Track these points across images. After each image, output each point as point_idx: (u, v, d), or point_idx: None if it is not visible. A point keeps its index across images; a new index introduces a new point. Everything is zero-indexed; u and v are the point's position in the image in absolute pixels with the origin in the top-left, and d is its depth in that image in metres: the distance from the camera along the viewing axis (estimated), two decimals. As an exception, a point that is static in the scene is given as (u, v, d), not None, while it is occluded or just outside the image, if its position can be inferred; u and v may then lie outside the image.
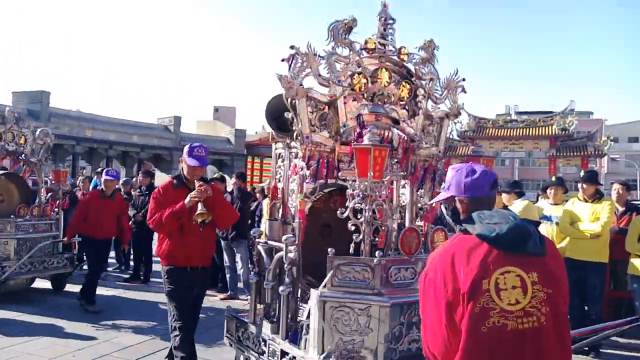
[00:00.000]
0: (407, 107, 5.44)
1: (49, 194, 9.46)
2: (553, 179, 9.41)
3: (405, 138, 5.27)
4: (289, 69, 4.59)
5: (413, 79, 5.36)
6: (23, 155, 9.19)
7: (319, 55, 4.76)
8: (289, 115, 4.76)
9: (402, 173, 5.41)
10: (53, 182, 9.51)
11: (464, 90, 5.67)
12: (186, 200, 5.12)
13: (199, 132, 48.80)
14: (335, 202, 5.74)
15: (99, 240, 8.28)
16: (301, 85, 4.65)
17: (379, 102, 5.19)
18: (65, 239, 8.79)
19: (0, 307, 7.84)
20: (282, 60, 4.51)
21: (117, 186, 9.43)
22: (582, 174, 7.24)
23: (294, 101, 4.68)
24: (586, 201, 6.76)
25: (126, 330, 7.26)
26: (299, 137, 4.75)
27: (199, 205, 5.06)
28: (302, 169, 4.77)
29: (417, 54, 5.37)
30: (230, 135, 44.97)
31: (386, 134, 5.06)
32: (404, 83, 5.30)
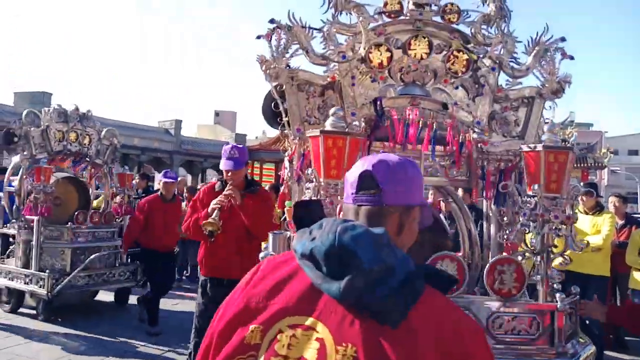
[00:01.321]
0: (465, 86, 3.95)
1: (115, 199, 8.34)
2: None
3: (460, 128, 3.80)
4: (270, 47, 3.74)
5: (471, 46, 3.88)
6: (87, 156, 8.15)
7: (311, 27, 3.80)
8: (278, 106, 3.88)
9: (461, 178, 3.91)
10: (118, 186, 8.34)
11: (565, 55, 3.87)
12: (209, 207, 4.58)
13: (199, 135, 47.68)
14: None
15: (162, 252, 7.22)
16: (288, 66, 3.75)
17: (415, 81, 3.87)
18: (123, 250, 7.81)
19: (56, 322, 7.10)
20: (259, 37, 3.71)
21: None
22: (581, 186, 7.30)
23: (281, 88, 3.81)
24: (586, 213, 6.51)
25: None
26: (289, 132, 3.81)
27: (215, 213, 4.47)
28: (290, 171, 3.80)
29: (473, 10, 3.90)
30: (230, 140, 43.07)
31: (428, 122, 3.72)
32: (455, 52, 3.87)
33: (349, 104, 3.83)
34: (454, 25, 3.94)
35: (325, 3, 3.80)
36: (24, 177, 7.57)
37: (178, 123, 39.74)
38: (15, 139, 7.45)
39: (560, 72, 3.91)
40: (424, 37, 3.89)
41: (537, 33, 3.88)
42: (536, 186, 3.14)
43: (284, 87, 3.78)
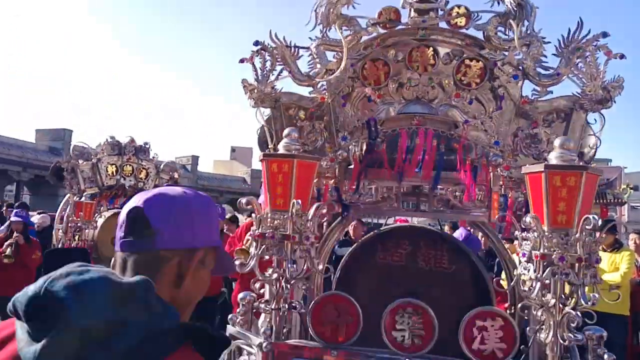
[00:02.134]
0: (480, 100, 3.31)
1: None
2: None
3: (472, 148, 3.18)
4: (255, 70, 3.47)
5: (486, 52, 3.26)
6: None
7: (296, 46, 3.47)
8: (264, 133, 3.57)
9: (478, 212, 3.25)
10: None
11: (611, 54, 3.09)
12: None
13: (216, 171, 47.57)
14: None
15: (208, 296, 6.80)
16: (274, 88, 3.44)
17: (419, 97, 3.34)
18: None
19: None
20: (242, 61, 3.46)
21: None
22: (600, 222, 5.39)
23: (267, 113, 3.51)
24: (605, 250, 6.24)
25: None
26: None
27: None
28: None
29: (486, 11, 3.29)
30: (246, 175, 43.97)
31: (434, 143, 3.19)
32: (466, 61, 3.28)
33: (340, 127, 3.38)
34: (464, 30, 3.33)
35: (312, 19, 3.44)
36: (68, 213, 7.17)
37: (195, 159, 40.33)
38: (64, 174, 7.19)
39: (607, 75, 3.09)
40: (428, 47, 3.33)
41: (570, 29, 3.12)
42: (528, 218, 2.40)
43: (270, 111, 3.47)
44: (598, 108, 3.13)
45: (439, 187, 3.47)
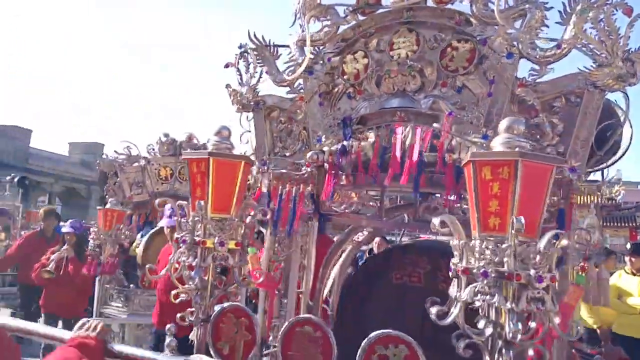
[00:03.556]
0: (469, 85, 2.78)
1: None
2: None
3: (459, 147, 2.69)
4: (239, 74, 3.36)
5: (471, 29, 2.75)
6: None
7: (275, 45, 3.27)
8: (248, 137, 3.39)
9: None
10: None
11: (630, 13, 2.39)
12: None
13: None
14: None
15: None
16: (255, 91, 3.28)
17: (402, 89, 2.91)
18: None
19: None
20: (226, 66, 3.37)
21: None
22: (628, 246, 7.18)
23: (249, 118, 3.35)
24: (634, 274, 6.40)
25: None
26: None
27: None
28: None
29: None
30: None
31: (412, 140, 2.80)
32: (453, 43, 2.79)
33: (316, 128, 3.06)
34: (451, 6, 2.82)
35: (294, 15, 3.22)
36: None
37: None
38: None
39: (630, 42, 2.36)
40: (411, 31, 2.89)
41: (575, -10, 2.46)
42: (436, 220, 1.86)
43: (253, 115, 3.29)
44: (619, 87, 2.39)
45: (433, 193, 2.93)
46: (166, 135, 6.35)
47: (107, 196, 6.05)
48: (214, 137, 2.56)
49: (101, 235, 5.15)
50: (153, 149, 6.35)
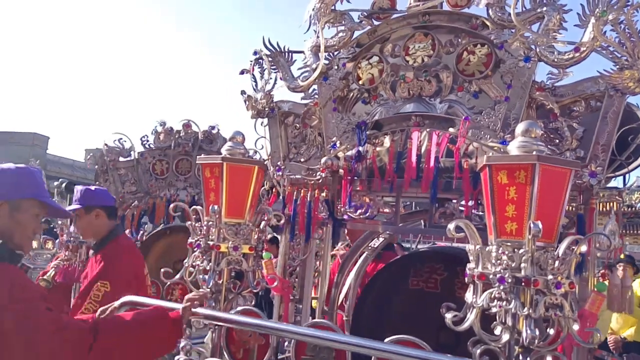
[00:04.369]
0: (486, 90, 2.75)
1: None
2: (622, 256, 6.46)
3: (475, 152, 2.67)
4: (254, 81, 3.37)
5: (487, 32, 2.73)
6: None
7: (290, 51, 3.28)
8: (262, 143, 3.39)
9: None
10: None
11: None
12: None
13: None
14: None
15: None
16: (270, 96, 3.29)
17: (418, 94, 2.90)
18: None
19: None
20: (242, 72, 3.38)
21: None
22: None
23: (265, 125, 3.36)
24: None
25: None
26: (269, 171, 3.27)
27: None
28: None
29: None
30: None
31: (428, 145, 2.78)
32: (469, 47, 2.77)
33: (331, 134, 3.05)
34: (466, 10, 2.81)
35: (307, 20, 3.22)
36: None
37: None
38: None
39: (650, 44, 2.32)
40: (426, 35, 2.88)
41: (591, -11, 2.42)
42: (452, 226, 1.84)
43: (268, 120, 3.30)
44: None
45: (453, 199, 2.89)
46: (162, 123, 5.42)
47: None
48: (228, 142, 2.56)
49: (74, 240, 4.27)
50: (147, 141, 5.43)
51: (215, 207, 2.34)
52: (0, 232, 1.71)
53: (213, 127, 5.37)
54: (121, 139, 5.30)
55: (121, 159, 5.29)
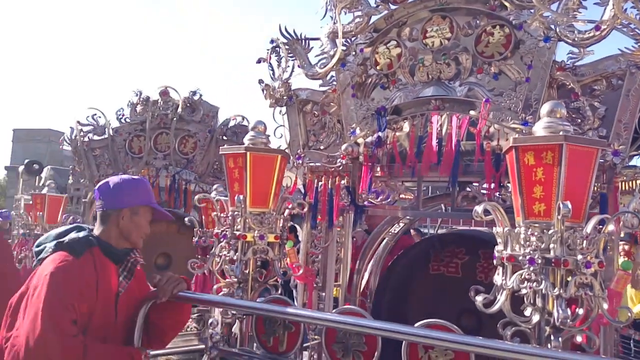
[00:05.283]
0: (505, 71, 2.74)
1: None
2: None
3: (495, 133, 2.66)
4: (271, 69, 3.37)
5: (508, 12, 2.71)
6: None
7: (307, 38, 3.28)
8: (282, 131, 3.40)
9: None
10: None
11: None
12: None
13: None
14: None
15: None
16: (288, 82, 3.29)
17: (437, 77, 2.89)
18: None
19: None
20: (259, 61, 3.39)
21: None
22: None
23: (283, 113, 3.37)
24: None
25: None
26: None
27: None
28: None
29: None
30: None
31: (448, 128, 2.78)
32: (488, 29, 2.76)
33: (350, 120, 3.05)
34: (483, -8, 2.78)
35: (323, 6, 3.21)
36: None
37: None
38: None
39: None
40: (444, 18, 2.86)
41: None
42: (480, 208, 1.84)
43: (286, 109, 3.31)
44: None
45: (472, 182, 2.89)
46: (138, 92, 4.90)
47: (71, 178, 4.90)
48: (250, 132, 2.57)
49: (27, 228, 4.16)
50: (122, 115, 4.88)
51: (241, 196, 2.36)
52: (121, 231, 1.97)
53: (194, 93, 4.94)
54: (95, 114, 4.75)
55: (96, 137, 4.73)
